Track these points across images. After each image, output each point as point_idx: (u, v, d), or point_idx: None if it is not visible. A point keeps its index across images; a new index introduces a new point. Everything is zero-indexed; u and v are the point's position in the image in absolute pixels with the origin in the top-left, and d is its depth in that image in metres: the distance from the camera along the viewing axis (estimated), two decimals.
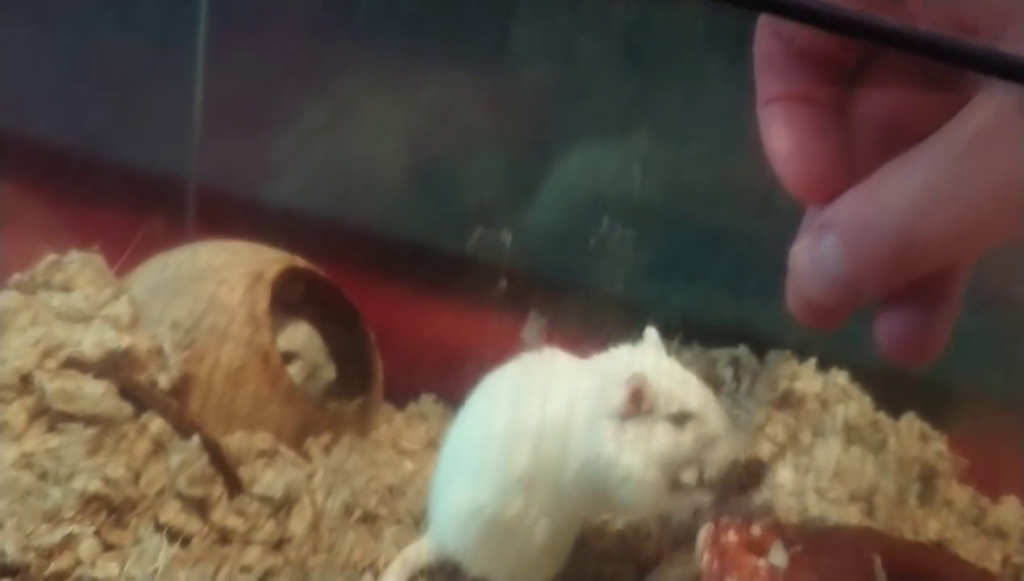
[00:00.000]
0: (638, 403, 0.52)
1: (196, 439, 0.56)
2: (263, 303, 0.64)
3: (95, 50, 0.80)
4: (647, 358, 0.56)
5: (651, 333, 0.57)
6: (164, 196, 0.81)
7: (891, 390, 0.82)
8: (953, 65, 0.31)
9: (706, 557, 0.54)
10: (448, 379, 0.86)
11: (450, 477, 0.57)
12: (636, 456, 0.52)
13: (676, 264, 0.91)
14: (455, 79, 0.87)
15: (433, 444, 0.77)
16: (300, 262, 0.71)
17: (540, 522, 0.54)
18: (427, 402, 0.82)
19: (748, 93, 0.45)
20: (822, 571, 0.53)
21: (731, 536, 0.55)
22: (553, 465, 0.53)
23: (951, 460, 0.80)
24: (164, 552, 0.48)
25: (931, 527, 0.74)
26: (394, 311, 0.87)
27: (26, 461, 0.51)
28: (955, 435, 0.82)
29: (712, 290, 0.89)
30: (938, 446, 0.80)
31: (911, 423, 0.81)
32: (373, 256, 0.88)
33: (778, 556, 0.54)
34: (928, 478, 0.78)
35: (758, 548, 0.54)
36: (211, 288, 0.64)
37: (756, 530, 0.56)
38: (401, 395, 0.82)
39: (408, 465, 0.72)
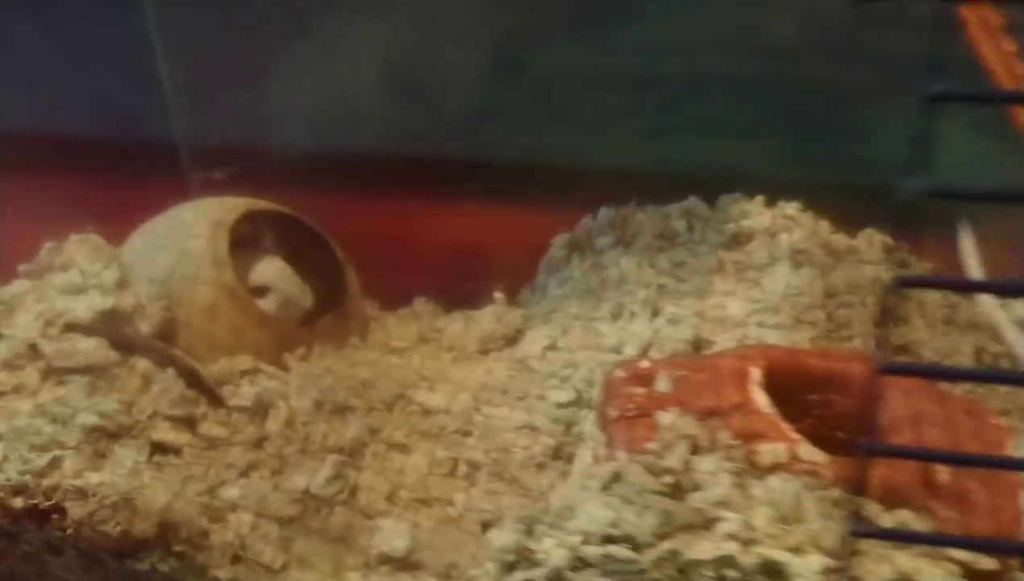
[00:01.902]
0: None
1: (170, 370, 0.67)
2: (223, 246, 0.74)
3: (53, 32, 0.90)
4: None
5: None
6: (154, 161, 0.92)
7: (853, 210, 0.84)
8: None
9: (597, 395, 0.61)
10: (439, 279, 0.95)
11: None
12: None
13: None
14: None
15: (423, 339, 0.87)
16: (261, 204, 0.80)
17: None
18: (419, 303, 0.91)
19: None
20: (699, 387, 0.58)
21: (618, 373, 0.61)
22: None
23: (917, 266, 0.82)
24: (132, 459, 0.59)
25: (896, 333, 0.77)
26: (382, 223, 0.95)
27: (40, 410, 0.64)
28: (922, 241, 0.82)
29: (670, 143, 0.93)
30: (902, 255, 0.81)
31: (871, 237, 0.83)
32: (358, 175, 0.96)
33: (662, 383, 0.59)
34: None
35: (644, 379, 0.60)
36: (181, 242, 0.74)
37: (644, 363, 0.61)
38: (396, 300, 0.92)
39: (393, 360, 0.81)
